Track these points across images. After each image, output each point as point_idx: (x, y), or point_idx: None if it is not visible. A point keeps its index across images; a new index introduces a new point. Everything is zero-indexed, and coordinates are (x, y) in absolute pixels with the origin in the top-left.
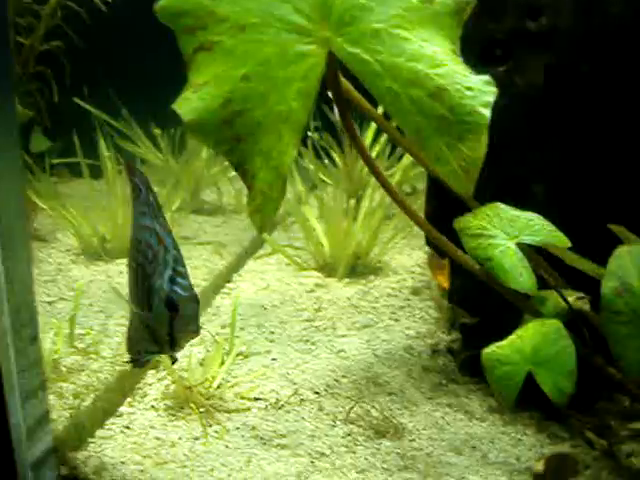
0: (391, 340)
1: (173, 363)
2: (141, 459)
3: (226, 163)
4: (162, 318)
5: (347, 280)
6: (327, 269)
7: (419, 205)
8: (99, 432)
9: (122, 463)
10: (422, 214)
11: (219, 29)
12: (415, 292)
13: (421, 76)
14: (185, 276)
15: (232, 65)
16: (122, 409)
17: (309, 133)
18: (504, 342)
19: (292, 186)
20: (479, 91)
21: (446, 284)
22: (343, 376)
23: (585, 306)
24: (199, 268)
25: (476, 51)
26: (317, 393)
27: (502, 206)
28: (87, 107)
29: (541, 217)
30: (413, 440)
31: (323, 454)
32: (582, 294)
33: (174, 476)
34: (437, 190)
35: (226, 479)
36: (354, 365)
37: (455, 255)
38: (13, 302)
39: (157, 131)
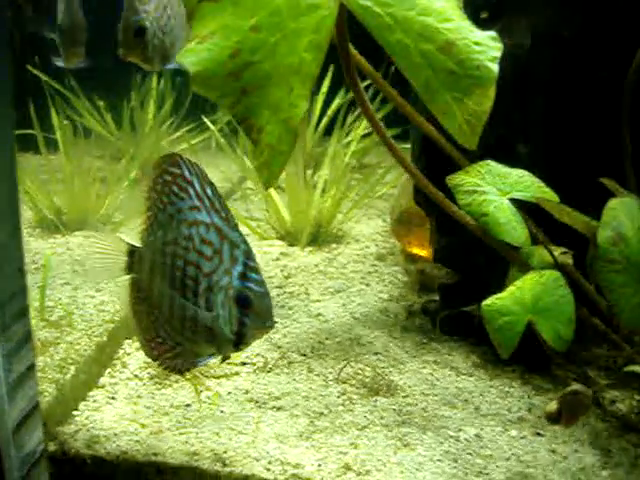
0: (366, 303)
1: (224, 361)
2: (135, 429)
3: (176, 136)
4: (229, 317)
5: (310, 248)
6: (289, 238)
7: (377, 177)
8: (83, 405)
9: (115, 435)
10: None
11: None
12: (380, 258)
13: (431, 30)
14: (258, 271)
15: (241, 15)
16: (103, 380)
17: None
18: (503, 293)
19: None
20: (486, 46)
21: (412, 249)
22: (326, 338)
23: (568, 260)
24: None
25: (469, 11)
26: (304, 355)
27: (493, 163)
28: (41, 76)
29: (530, 174)
30: (407, 396)
31: (321, 414)
32: (565, 249)
33: (174, 444)
34: (427, 148)
35: (229, 443)
36: (335, 328)
37: (450, 210)
38: None
39: (100, 103)
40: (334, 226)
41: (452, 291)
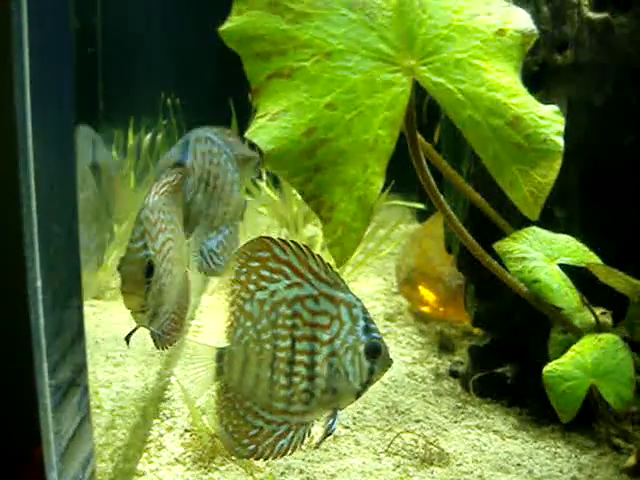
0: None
1: (332, 428)
2: None
3: None
4: (359, 370)
5: None
6: None
7: (382, 235)
8: None
9: None
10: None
11: (300, 55)
12: (389, 318)
13: (500, 105)
14: (373, 320)
15: (316, 93)
16: (142, 467)
17: None
18: (563, 359)
19: None
20: (551, 120)
21: (422, 308)
22: (364, 408)
23: (608, 320)
24: None
25: None
26: (347, 427)
27: (538, 229)
28: None
29: (573, 239)
30: (460, 464)
31: None
32: (604, 310)
33: None
34: (474, 217)
35: None
36: (369, 396)
37: (504, 277)
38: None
39: None
40: None
41: (483, 353)
